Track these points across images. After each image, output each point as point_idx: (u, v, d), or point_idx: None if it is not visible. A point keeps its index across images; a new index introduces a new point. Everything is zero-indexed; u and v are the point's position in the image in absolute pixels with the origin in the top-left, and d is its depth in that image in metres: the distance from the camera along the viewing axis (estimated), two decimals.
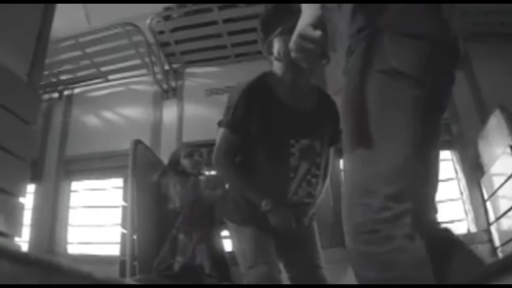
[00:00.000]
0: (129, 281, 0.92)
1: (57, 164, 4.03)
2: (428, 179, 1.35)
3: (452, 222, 3.25)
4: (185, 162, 2.79)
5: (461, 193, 3.31)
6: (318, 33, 1.15)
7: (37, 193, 3.98)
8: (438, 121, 1.38)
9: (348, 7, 1.28)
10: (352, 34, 1.24)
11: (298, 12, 1.29)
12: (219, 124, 1.99)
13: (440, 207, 3.17)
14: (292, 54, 1.22)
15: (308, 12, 1.19)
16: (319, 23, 1.17)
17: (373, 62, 1.17)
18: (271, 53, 1.92)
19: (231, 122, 1.90)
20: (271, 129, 1.86)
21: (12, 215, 1.89)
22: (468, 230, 3.21)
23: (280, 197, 1.85)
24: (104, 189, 4.01)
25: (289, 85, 1.90)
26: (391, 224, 1.06)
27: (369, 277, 1.07)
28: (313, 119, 1.95)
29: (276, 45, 1.88)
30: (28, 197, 3.76)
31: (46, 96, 4.33)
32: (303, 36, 1.17)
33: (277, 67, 1.93)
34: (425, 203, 1.33)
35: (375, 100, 1.15)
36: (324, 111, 1.99)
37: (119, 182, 3.89)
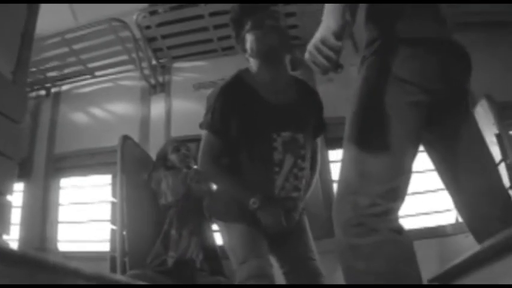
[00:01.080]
0: (119, 276, 0.93)
1: (46, 162, 4.00)
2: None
3: (441, 212, 3.28)
4: (173, 157, 2.81)
5: None
6: (339, 44, 1.16)
7: (26, 191, 3.95)
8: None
9: (361, 17, 1.36)
10: (366, 44, 1.32)
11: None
12: (201, 126, 1.97)
13: (430, 197, 3.25)
14: (307, 56, 1.22)
15: (332, 19, 1.19)
16: (341, 33, 1.17)
17: (380, 68, 1.24)
18: (245, 50, 1.93)
19: (211, 124, 1.90)
20: (252, 126, 1.87)
21: (0, 213, 1.89)
22: (456, 219, 3.23)
23: (267, 193, 1.84)
24: (93, 186, 4.00)
25: (266, 80, 1.93)
26: (379, 218, 1.11)
27: (357, 267, 1.11)
28: (293, 111, 1.94)
29: (248, 42, 1.92)
30: (17, 196, 3.77)
31: (33, 94, 4.29)
32: (323, 42, 1.17)
33: (252, 63, 1.95)
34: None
35: (374, 104, 1.21)
36: (305, 102, 2.02)
37: (107, 178, 3.88)
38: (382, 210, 1.12)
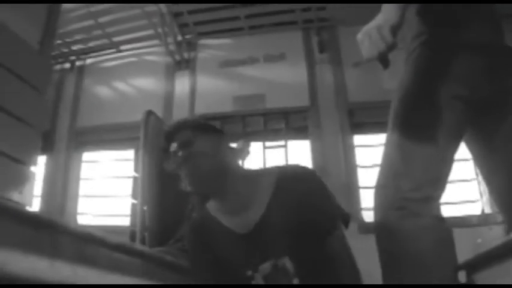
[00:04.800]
0: (143, 247, 0.92)
1: (68, 135, 4.03)
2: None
3: (466, 203, 3.22)
4: None
5: (476, 174, 3.27)
6: (392, 38, 1.14)
7: (48, 164, 3.99)
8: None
9: (412, 14, 1.33)
10: (414, 36, 1.32)
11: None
12: None
13: (457, 187, 3.19)
14: (358, 37, 1.21)
15: (392, 13, 1.17)
16: (397, 30, 1.16)
17: (428, 61, 1.25)
18: None
19: (192, 268, 1.50)
20: (224, 266, 1.43)
21: (24, 183, 1.89)
22: (482, 211, 3.19)
23: None
24: (115, 160, 4.01)
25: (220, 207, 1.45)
26: (421, 203, 1.13)
27: (389, 249, 1.15)
28: (269, 229, 1.34)
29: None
30: (39, 168, 3.81)
31: (58, 67, 4.30)
32: (379, 31, 1.15)
33: None
34: None
35: (421, 94, 1.23)
36: (286, 205, 1.33)
37: (130, 153, 3.89)
38: (424, 196, 1.13)
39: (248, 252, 1.37)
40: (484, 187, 3.19)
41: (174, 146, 1.32)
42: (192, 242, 1.47)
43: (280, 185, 1.29)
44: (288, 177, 1.30)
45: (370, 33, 1.16)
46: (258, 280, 1.36)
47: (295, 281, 1.28)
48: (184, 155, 1.28)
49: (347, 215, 1.32)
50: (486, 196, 3.17)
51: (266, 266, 1.36)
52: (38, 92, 2.03)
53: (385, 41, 1.14)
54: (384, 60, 1.16)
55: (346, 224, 1.30)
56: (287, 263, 1.36)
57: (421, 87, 1.23)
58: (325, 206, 1.29)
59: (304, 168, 1.35)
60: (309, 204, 1.25)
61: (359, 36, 1.21)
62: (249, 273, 1.36)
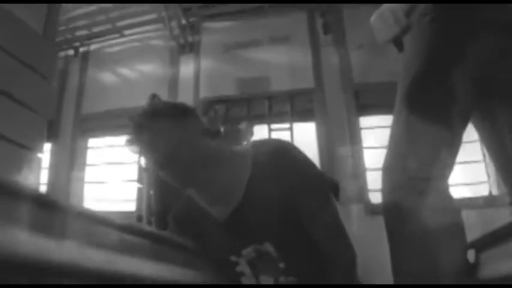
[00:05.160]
0: (151, 228, 0.92)
1: (74, 122, 4.04)
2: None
3: (474, 184, 3.21)
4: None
5: (484, 155, 3.25)
6: (406, 20, 1.15)
7: (54, 151, 4.00)
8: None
9: None
10: (421, 14, 1.25)
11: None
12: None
13: (462, 170, 3.18)
14: (372, 19, 1.21)
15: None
16: (411, 11, 1.16)
17: (436, 37, 1.21)
18: None
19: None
20: (210, 252, 1.40)
21: (30, 169, 1.89)
22: (490, 192, 3.17)
23: None
24: (121, 146, 4.02)
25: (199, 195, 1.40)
26: (428, 182, 1.11)
27: (398, 230, 1.12)
28: (249, 214, 1.30)
29: None
30: (45, 156, 3.83)
31: (62, 54, 4.29)
32: (393, 12, 1.16)
33: None
34: None
35: (428, 72, 1.19)
36: (259, 189, 1.28)
37: None
38: (432, 175, 1.11)
39: (230, 238, 1.33)
40: (491, 169, 3.18)
41: (146, 137, 1.19)
42: (176, 233, 1.40)
43: (257, 164, 1.22)
44: (263, 155, 1.22)
45: (384, 16, 1.15)
46: (243, 265, 1.36)
47: (280, 265, 1.27)
48: (159, 148, 1.18)
49: (336, 185, 1.28)
50: (493, 178, 3.16)
51: (249, 251, 1.35)
52: (43, 78, 2.02)
53: (400, 23, 1.13)
54: (398, 43, 1.16)
55: (337, 195, 1.27)
56: (268, 247, 1.34)
57: (432, 66, 1.20)
58: (310, 179, 1.21)
59: (280, 142, 1.27)
60: (291, 181, 1.17)
61: (373, 19, 1.20)
62: (233, 258, 1.35)
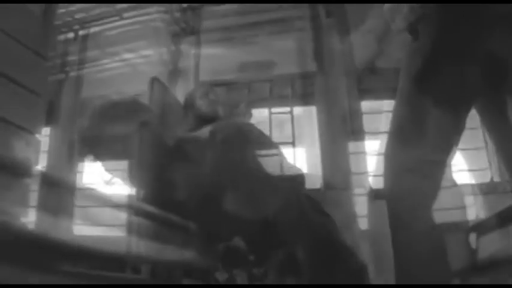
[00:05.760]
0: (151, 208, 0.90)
1: (73, 106, 4.02)
2: None
3: (475, 171, 3.21)
4: (201, 103, 2.76)
5: (486, 142, 3.24)
6: (421, 9, 1.15)
7: (53, 136, 3.99)
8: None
9: None
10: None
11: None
12: None
13: (464, 156, 3.17)
14: (386, 8, 1.21)
15: None
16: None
17: (440, 29, 1.21)
18: None
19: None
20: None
21: (28, 151, 1.89)
22: (491, 179, 3.17)
23: None
24: None
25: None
26: (431, 166, 1.13)
27: (399, 212, 1.13)
28: (211, 210, 1.25)
29: None
30: (45, 139, 3.82)
31: (61, 37, 4.25)
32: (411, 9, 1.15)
33: None
34: None
35: (432, 60, 1.20)
36: (218, 180, 1.23)
37: None
38: (434, 158, 1.14)
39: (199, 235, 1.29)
40: (493, 156, 3.18)
41: (103, 146, 1.14)
42: None
43: (214, 156, 1.18)
44: (218, 147, 1.18)
45: (399, 5, 1.15)
46: (216, 262, 1.32)
47: (251, 257, 1.26)
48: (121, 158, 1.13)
49: (298, 172, 1.25)
50: (495, 165, 3.16)
51: (219, 248, 1.32)
52: (42, 59, 2.01)
53: (415, 12, 1.12)
54: (413, 31, 1.15)
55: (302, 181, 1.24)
56: (238, 242, 1.31)
57: (445, 50, 1.20)
58: (264, 173, 1.16)
59: (231, 130, 1.24)
60: (246, 175, 1.14)
61: (386, 7, 1.20)
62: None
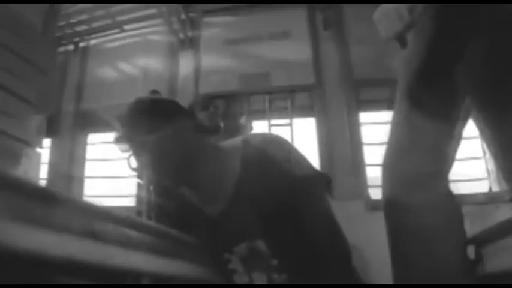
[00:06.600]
0: (149, 222, 0.90)
1: (74, 117, 4.03)
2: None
3: (474, 181, 3.21)
4: (201, 115, 2.77)
5: (484, 152, 3.25)
6: (409, 18, 1.15)
7: (53, 147, 4.00)
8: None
9: None
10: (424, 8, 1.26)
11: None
12: None
13: (462, 166, 3.18)
14: (375, 17, 1.21)
15: None
16: (415, 8, 1.17)
17: (435, 34, 1.20)
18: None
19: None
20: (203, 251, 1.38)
21: (29, 164, 1.89)
22: (490, 189, 3.17)
23: None
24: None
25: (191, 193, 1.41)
26: (429, 178, 1.12)
27: (398, 225, 1.14)
28: (237, 212, 1.28)
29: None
30: (45, 151, 3.82)
31: (62, 49, 4.28)
32: (397, 10, 1.16)
33: None
34: None
35: (429, 67, 1.19)
36: (249, 184, 1.27)
37: None
38: (432, 170, 1.13)
39: (223, 235, 1.31)
40: (491, 165, 3.18)
41: (135, 133, 1.13)
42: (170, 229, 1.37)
43: (246, 160, 1.20)
44: (252, 150, 1.19)
45: (387, 12, 1.15)
46: (235, 262, 1.34)
47: (273, 262, 1.27)
48: (149, 144, 1.13)
49: (328, 180, 1.25)
50: (494, 174, 3.16)
51: (241, 248, 1.32)
52: (42, 73, 2.02)
53: (403, 20, 1.13)
54: (401, 39, 1.15)
55: (329, 189, 1.23)
56: (260, 244, 1.31)
57: (434, 62, 1.20)
58: (300, 175, 1.17)
59: (269, 137, 1.25)
60: (278, 173, 1.15)
61: (376, 15, 1.20)
62: (226, 256, 1.33)
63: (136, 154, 1.16)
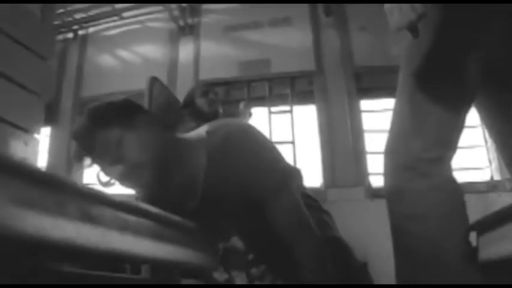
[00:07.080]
0: (150, 207, 0.89)
1: (73, 105, 4.02)
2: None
3: (475, 169, 3.22)
4: (200, 102, 2.75)
5: (486, 141, 3.24)
6: (422, 8, 1.10)
7: (53, 136, 3.99)
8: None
9: None
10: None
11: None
12: None
13: (464, 154, 3.17)
14: (387, 6, 1.16)
15: None
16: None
17: (442, 24, 1.19)
18: None
19: None
20: None
21: (27, 150, 1.88)
22: (491, 177, 3.17)
23: None
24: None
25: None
26: (431, 164, 1.11)
27: (398, 211, 1.13)
28: (209, 209, 1.22)
29: None
30: (43, 140, 3.81)
31: (61, 37, 4.25)
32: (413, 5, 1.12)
33: None
34: None
35: (434, 55, 1.17)
36: (216, 181, 1.20)
37: None
38: (435, 156, 1.11)
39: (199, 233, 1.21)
40: (493, 154, 3.17)
41: (95, 146, 1.04)
42: None
43: (211, 155, 1.15)
44: (216, 143, 1.14)
45: (400, 3, 1.13)
46: (215, 262, 1.29)
47: (250, 257, 1.27)
48: (114, 154, 1.04)
49: (295, 170, 1.22)
50: (495, 163, 3.15)
51: (218, 249, 1.29)
52: (41, 60, 2.00)
53: (416, 10, 1.11)
54: (414, 29, 1.14)
55: (298, 181, 1.21)
56: (236, 242, 1.32)
57: (444, 48, 1.19)
58: (262, 166, 1.14)
59: (231, 127, 1.18)
60: (243, 170, 1.11)
61: (387, 5, 1.18)
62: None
63: (103, 167, 1.08)
